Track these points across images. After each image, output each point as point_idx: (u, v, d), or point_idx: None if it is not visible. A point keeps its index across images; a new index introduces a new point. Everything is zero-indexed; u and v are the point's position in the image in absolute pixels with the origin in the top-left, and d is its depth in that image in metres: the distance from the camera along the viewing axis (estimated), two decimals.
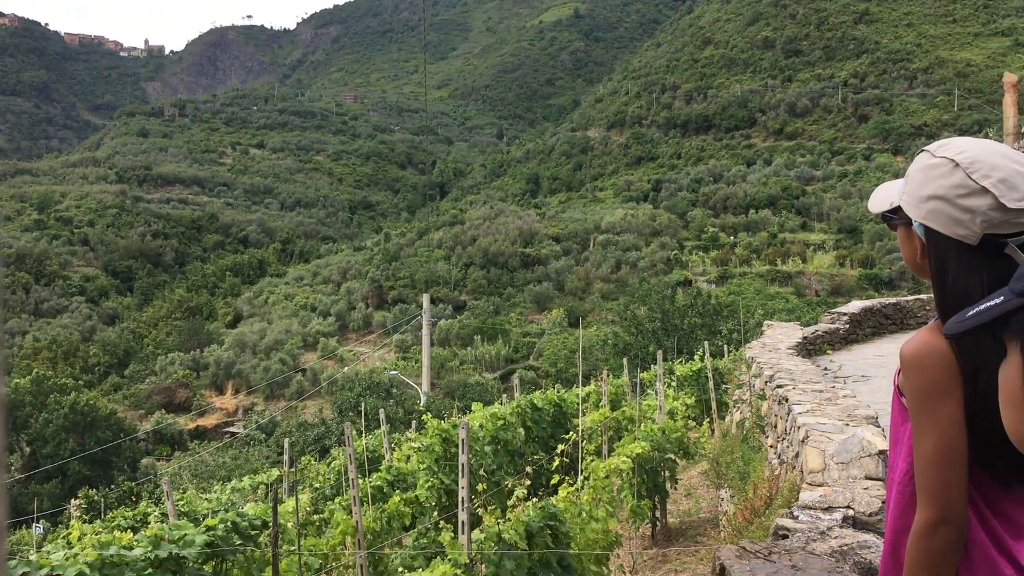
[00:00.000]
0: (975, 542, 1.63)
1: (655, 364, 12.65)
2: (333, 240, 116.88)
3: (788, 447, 6.16)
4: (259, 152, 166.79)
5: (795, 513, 3.60)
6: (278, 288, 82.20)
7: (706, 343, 16.60)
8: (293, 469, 13.99)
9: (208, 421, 56.60)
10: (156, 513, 13.51)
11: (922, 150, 1.76)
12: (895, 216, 1.83)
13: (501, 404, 12.61)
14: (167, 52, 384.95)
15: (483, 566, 5.63)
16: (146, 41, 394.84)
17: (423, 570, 5.63)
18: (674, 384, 17.44)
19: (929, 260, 1.69)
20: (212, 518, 6.29)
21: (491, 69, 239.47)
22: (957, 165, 1.64)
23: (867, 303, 17.05)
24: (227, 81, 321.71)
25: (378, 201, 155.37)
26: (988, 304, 0.92)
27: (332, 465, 14.96)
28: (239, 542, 6.18)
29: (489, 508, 7.36)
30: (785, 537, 3.26)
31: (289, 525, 8.68)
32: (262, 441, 37.67)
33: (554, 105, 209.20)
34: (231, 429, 52.55)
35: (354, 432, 8.41)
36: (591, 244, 76.87)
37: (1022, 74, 17.92)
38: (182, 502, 15.59)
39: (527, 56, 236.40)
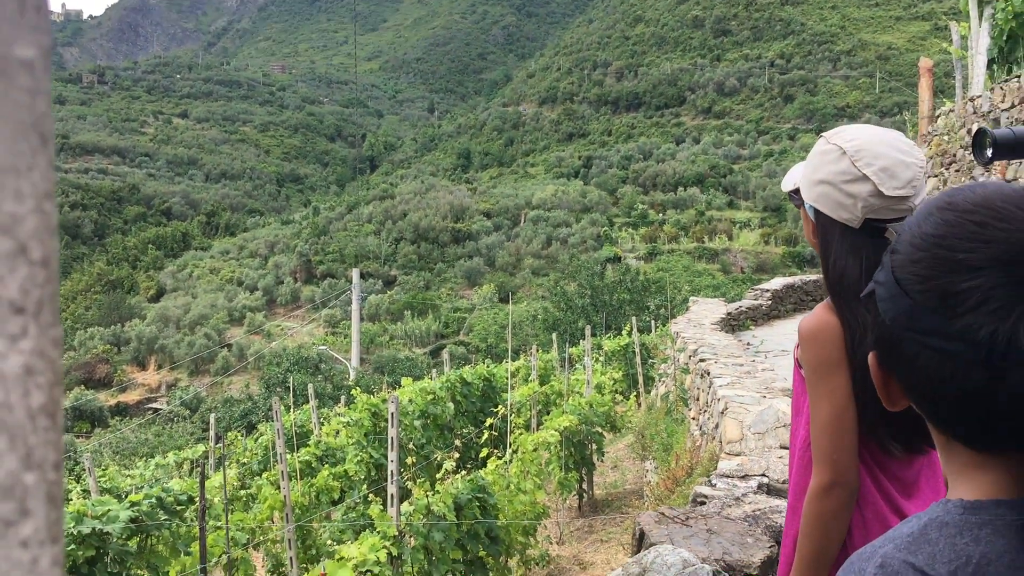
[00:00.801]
0: (868, 501, 1.76)
1: (584, 339, 12.82)
2: (260, 213, 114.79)
3: (709, 419, 6.34)
4: (183, 122, 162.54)
5: (713, 481, 3.74)
6: (203, 262, 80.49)
7: (634, 319, 16.87)
8: (219, 444, 13.83)
9: (130, 397, 55.35)
10: (77, 490, 13.27)
11: (820, 136, 1.86)
12: (796, 196, 1.94)
13: (431, 379, 12.66)
14: (85, 17, 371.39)
15: (412, 538, 5.70)
16: (63, 5, 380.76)
17: (352, 543, 5.67)
18: (602, 359, 17.70)
19: (817, 239, 1.81)
20: (136, 494, 6.22)
21: (422, 42, 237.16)
22: (844, 152, 1.74)
23: (789, 280, 17.52)
24: (149, 48, 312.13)
25: (307, 174, 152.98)
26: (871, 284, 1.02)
27: (259, 440, 14.85)
28: (164, 518, 6.13)
29: (418, 481, 7.43)
30: (703, 503, 3.39)
31: (216, 500, 8.63)
32: (186, 417, 37.01)
33: (486, 80, 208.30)
34: (154, 405, 51.51)
35: (282, 407, 8.37)
36: (522, 220, 77.03)
37: (938, 59, 18.51)
38: (104, 479, 15.31)
39: (459, 29, 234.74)
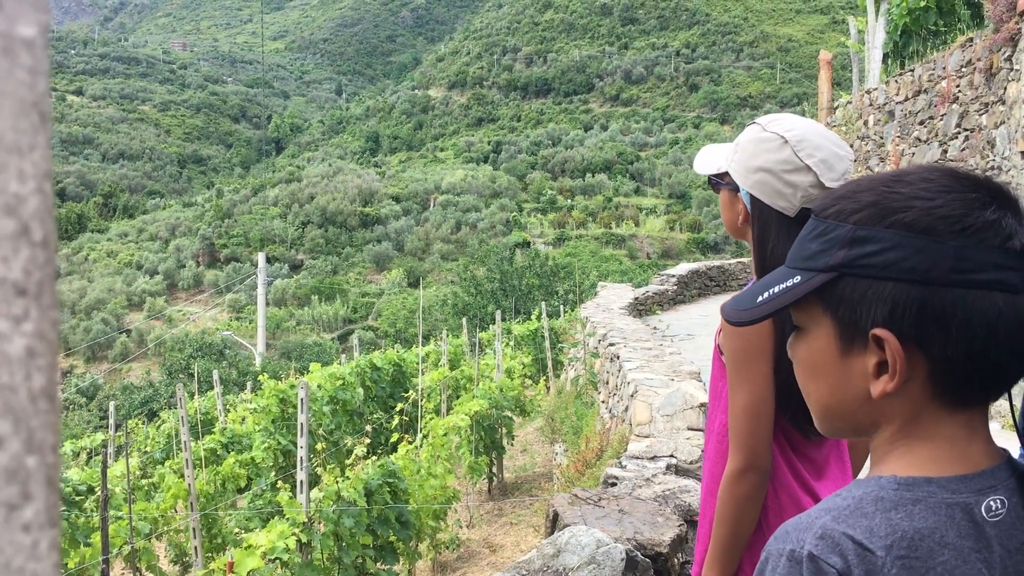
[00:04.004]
0: (783, 484, 1.80)
1: (493, 324, 12.86)
2: (161, 195, 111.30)
3: (619, 402, 6.45)
4: (78, 99, 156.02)
5: (623, 463, 3.80)
6: (100, 244, 77.66)
7: (543, 303, 16.97)
8: (119, 433, 13.41)
9: None
10: None
11: (753, 122, 1.86)
12: (721, 180, 1.93)
13: (340, 364, 12.53)
14: None
15: (321, 524, 5.64)
16: None
17: (260, 530, 5.58)
18: (512, 343, 17.76)
19: (752, 226, 1.81)
20: None
21: (330, 22, 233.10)
22: (786, 142, 1.74)
23: (694, 266, 17.91)
24: None
25: (210, 155, 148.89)
26: (784, 286, 1.02)
27: (162, 428, 14.47)
28: (62, 508, 5.92)
29: (328, 468, 7.36)
30: (614, 485, 3.45)
31: (117, 490, 8.37)
32: (83, 405, 35.82)
33: (395, 62, 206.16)
34: None
35: (186, 394, 8.16)
36: (431, 204, 76.65)
37: (836, 52, 19.12)
38: None
39: (367, 10, 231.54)
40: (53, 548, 0.28)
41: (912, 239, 0.89)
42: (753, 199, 1.79)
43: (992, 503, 0.90)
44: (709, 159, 1.99)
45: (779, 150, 1.75)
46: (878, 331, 0.91)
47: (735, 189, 1.87)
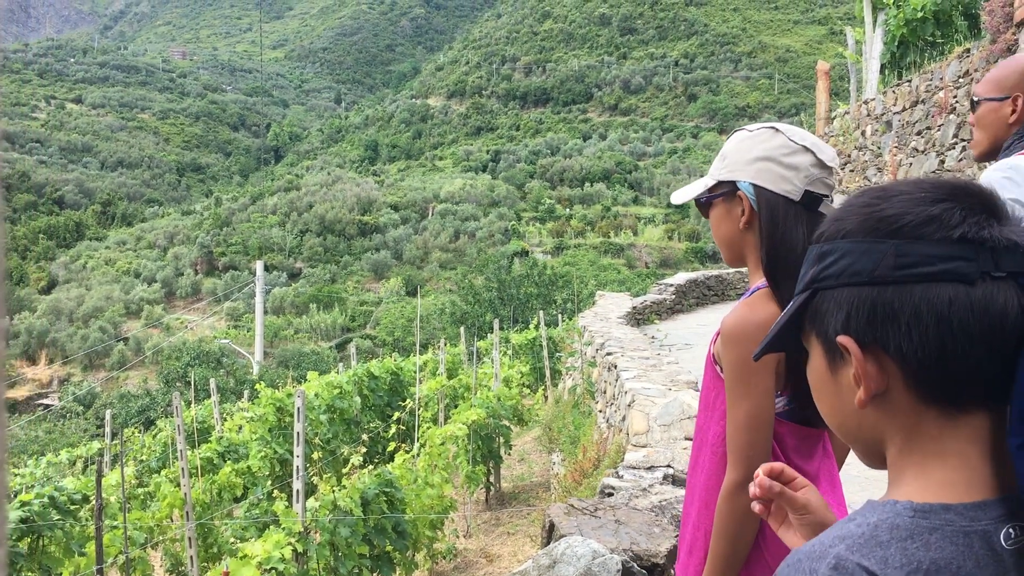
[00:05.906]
0: None
1: (492, 333, 12.84)
2: (159, 203, 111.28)
3: (616, 411, 6.43)
4: (77, 107, 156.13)
5: (620, 473, 3.79)
6: (98, 252, 77.60)
7: (541, 312, 16.96)
8: (116, 441, 13.38)
9: (19, 393, 53.01)
10: None
11: (737, 130, 1.93)
12: (712, 195, 1.91)
13: (337, 373, 12.51)
14: None
15: (317, 534, 5.61)
16: None
17: (256, 540, 5.55)
18: (510, 352, 17.75)
19: (760, 216, 1.82)
20: (27, 493, 5.96)
21: (329, 31, 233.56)
22: (777, 131, 1.84)
23: (692, 275, 17.91)
24: (41, 30, 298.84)
25: (208, 164, 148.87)
26: (785, 312, 1.05)
27: (158, 437, 14.43)
28: (57, 517, 5.90)
29: (325, 477, 7.33)
30: (611, 495, 3.43)
31: (112, 499, 8.34)
32: (79, 414, 35.74)
33: (394, 72, 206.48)
34: (45, 401, 49.47)
35: (182, 403, 8.14)
36: (430, 213, 76.67)
37: (834, 62, 19.16)
38: None
39: (367, 20, 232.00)
40: (0, 567, 0.25)
41: (857, 244, 0.92)
42: (757, 190, 1.82)
43: (1011, 530, 0.87)
44: (688, 190, 2.01)
45: (773, 138, 1.83)
46: (840, 338, 0.93)
47: (731, 193, 1.88)
